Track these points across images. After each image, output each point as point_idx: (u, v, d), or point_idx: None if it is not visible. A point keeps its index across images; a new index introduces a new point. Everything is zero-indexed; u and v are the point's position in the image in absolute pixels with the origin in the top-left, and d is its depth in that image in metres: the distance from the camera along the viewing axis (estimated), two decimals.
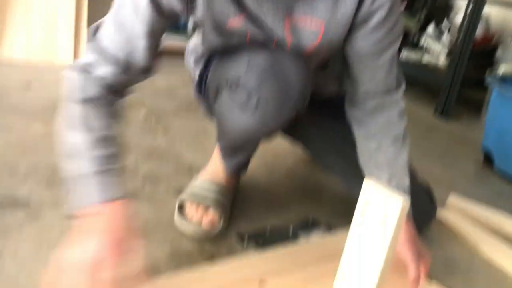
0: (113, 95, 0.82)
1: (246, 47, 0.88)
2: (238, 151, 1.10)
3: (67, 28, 2.04)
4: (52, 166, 1.21)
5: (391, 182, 0.96)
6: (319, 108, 1.17)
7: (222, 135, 1.06)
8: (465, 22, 2.15)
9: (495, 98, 1.74)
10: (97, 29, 0.82)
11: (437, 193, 1.40)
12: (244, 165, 1.16)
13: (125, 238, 0.70)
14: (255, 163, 1.39)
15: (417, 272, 0.92)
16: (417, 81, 2.59)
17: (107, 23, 0.81)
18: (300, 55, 0.87)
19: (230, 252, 1.00)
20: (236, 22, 0.82)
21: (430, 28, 2.45)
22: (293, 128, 1.16)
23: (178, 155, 1.40)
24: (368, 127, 0.99)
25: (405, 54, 2.44)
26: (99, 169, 0.74)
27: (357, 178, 0.94)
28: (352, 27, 0.85)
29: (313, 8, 0.82)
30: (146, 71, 0.84)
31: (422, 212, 1.11)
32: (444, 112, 2.30)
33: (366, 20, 0.84)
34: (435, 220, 1.21)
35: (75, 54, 2.09)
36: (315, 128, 1.18)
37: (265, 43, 0.86)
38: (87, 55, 0.81)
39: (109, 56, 0.79)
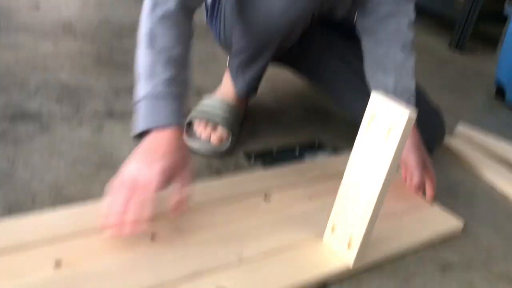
0: (185, 12, 0.84)
1: None
2: (253, 61, 1.07)
3: None
4: (62, 83, 1.22)
5: (397, 85, 0.99)
6: (331, 30, 1.16)
7: (240, 42, 1.03)
8: None
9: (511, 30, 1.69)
10: None
11: (446, 121, 1.41)
12: (254, 87, 1.15)
13: (175, 167, 0.73)
14: (264, 88, 1.39)
15: (421, 178, 0.94)
16: (433, 13, 2.51)
17: None
18: None
19: (237, 169, 1.02)
20: None
21: None
22: (303, 54, 1.15)
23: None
24: (378, 34, 1.02)
25: None
26: (158, 92, 0.76)
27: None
28: None
29: None
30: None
31: (432, 131, 1.12)
32: (459, 45, 2.25)
33: None
34: (443, 142, 1.22)
35: None
36: (326, 50, 1.17)
37: None
38: None
39: None
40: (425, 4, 2.42)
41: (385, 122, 0.70)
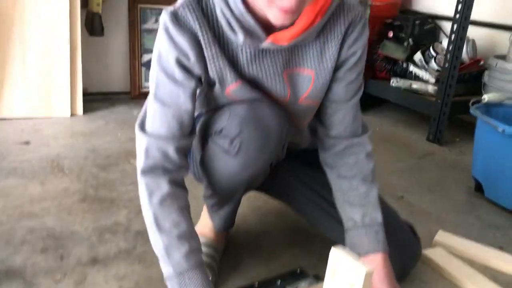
0: (177, 187, 0.96)
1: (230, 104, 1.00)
2: (225, 203, 1.15)
3: (64, 82, 2.11)
4: (48, 229, 1.26)
5: (364, 218, 1.05)
6: (296, 158, 1.23)
7: (209, 189, 1.11)
8: (450, 46, 2.19)
9: (480, 128, 1.77)
10: (142, 123, 0.97)
11: (425, 227, 1.44)
12: (231, 220, 1.20)
13: None
14: (246, 208, 1.44)
15: None
16: (409, 108, 2.62)
17: (150, 110, 0.95)
18: (276, 104, 1.00)
19: None
20: (233, 88, 0.96)
21: (417, 56, 2.49)
22: (273, 183, 1.21)
23: None
24: (339, 169, 1.10)
25: (395, 82, 2.48)
26: (180, 269, 0.91)
27: (339, 227, 1.09)
28: (333, 71, 1.01)
29: (304, 59, 0.98)
30: (192, 134, 0.99)
31: (407, 253, 1.15)
32: (436, 138, 2.33)
33: (343, 63, 1.01)
34: (420, 259, 1.24)
35: (72, 107, 2.16)
36: (293, 179, 1.23)
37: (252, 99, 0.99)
38: (144, 152, 0.95)
39: (163, 138, 0.94)
40: (401, 100, 2.54)
41: (346, 277, 0.73)
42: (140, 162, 0.96)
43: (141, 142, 0.96)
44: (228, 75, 0.95)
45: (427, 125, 2.41)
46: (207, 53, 0.92)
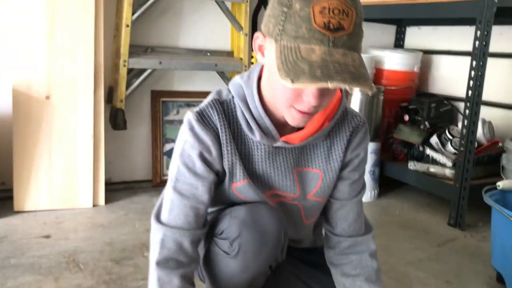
0: (187, 282, 1.00)
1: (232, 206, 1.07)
2: None
3: (87, 174, 2.21)
4: None
5: None
6: (298, 257, 1.24)
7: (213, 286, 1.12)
8: (464, 130, 2.20)
9: (495, 216, 1.74)
10: (158, 214, 1.03)
11: None
12: None
13: None
14: None
15: None
16: (427, 192, 2.60)
17: (167, 201, 1.02)
18: (274, 208, 1.06)
19: None
20: (239, 184, 1.03)
21: (434, 139, 2.50)
22: (275, 283, 1.21)
23: None
24: (343, 268, 1.14)
25: (413, 166, 2.48)
26: None
27: None
28: (339, 170, 1.10)
29: (313, 159, 1.08)
30: (205, 226, 1.05)
31: None
32: (457, 223, 2.28)
33: (348, 164, 1.10)
34: None
35: (94, 198, 2.24)
36: (294, 278, 1.23)
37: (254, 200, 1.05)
38: (159, 243, 1.00)
39: (180, 228, 1.00)
40: (420, 183, 2.52)
41: None
42: (154, 253, 1.00)
43: (156, 233, 1.01)
44: (238, 171, 1.02)
45: (449, 208, 2.37)
46: (224, 149, 1.00)
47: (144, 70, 2.40)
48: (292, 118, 0.93)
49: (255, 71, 1.01)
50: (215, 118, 1.00)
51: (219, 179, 1.05)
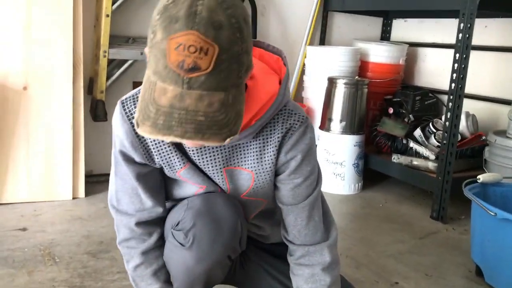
0: (148, 254, 1.08)
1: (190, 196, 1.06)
2: None
3: (66, 166, 2.17)
4: None
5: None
6: (266, 250, 1.23)
7: (174, 281, 1.12)
8: (447, 123, 2.19)
9: (475, 210, 1.73)
10: (111, 197, 1.08)
11: None
12: None
13: None
14: None
15: None
16: (411, 185, 2.60)
17: (113, 186, 1.07)
18: (233, 197, 1.04)
19: None
20: (182, 170, 1.01)
21: (417, 132, 2.49)
22: (242, 276, 1.20)
23: None
24: (297, 280, 1.09)
25: (396, 158, 2.47)
26: None
27: None
28: (276, 174, 1.03)
29: (244, 159, 1.00)
30: (157, 207, 1.06)
31: None
32: (440, 216, 2.28)
33: (284, 167, 1.02)
34: None
35: (74, 190, 2.21)
36: (263, 272, 1.22)
37: (209, 190, 1.04)
38: (116, 228, 1.10)
39: (126, 214, 1.05)
40: (403, 176, 2.52)
41: None
42: (117, 233, 1.10)
43: (114, 218, 1.09)
44: (176, 160, 1.00)
45: (431, 201, 2.37)
46: (151, 142, 0.98)
47: (125, 61, 2.37)
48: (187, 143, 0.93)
49: None
50: (136, 107, 0.92)
51: (153, 168, 1.04)
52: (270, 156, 0.99)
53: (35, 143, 2.11)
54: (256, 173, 1.01)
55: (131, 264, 1.08)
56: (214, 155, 0.99)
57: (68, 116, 2.15)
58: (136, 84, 2.54)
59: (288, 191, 1.03)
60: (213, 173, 1.02)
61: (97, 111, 2.25)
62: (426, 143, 2.46)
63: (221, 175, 1.02)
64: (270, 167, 1.00)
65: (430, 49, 2.97)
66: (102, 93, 2.25)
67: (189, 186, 1.05)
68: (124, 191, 1.05)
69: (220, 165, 1.00)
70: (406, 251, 1.95)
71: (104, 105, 2.27)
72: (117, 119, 0.98)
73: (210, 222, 0.99)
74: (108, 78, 2.29)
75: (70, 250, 1.71)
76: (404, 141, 2.54)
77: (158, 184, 1.07)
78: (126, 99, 0.98)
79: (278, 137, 0.98)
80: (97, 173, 2.52)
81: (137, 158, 1.00)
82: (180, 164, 1.00)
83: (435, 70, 2.94)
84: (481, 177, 1.81)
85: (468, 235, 2.12)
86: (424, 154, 2.41)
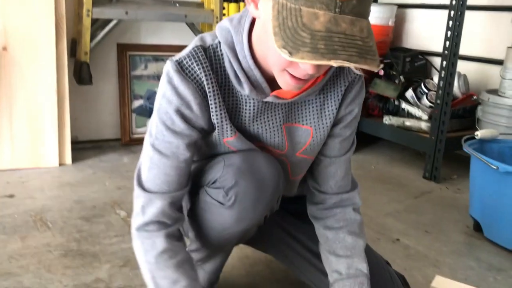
0: (172, 241, 0.92)
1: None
2: (212, 257, 1.11)
3: (51, 132, 2.09)
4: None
5: (349, 269, 1.01)
6: (282, 208, 1.19)
7: (197, 242, 1.07)
8: (441, 83, 2.17)
9: (474, 165, 1.73)
10: (139, 175, 0.94)
11: (422, 271, 1.38)
12: (216, 275, 1.15)
13: None
14: (234, 258, 1.39)
15: None
16: (404, 146, 2.59)
17: (147, 161, 0.92)
18: (271, 155, 0.98)
19: None
20: (230, 139, 0.95)
21: (409, 93, 2.47)
22: (259, 235, 1.16)
23: None
24: (326, 221, 1.08)
25: (388, 120, 2.45)
26: None
27: (325, 280, 1.06)
28: (331, 127, 1.01)
29: (304, 115, 0.98)
30: (188, 185, 0.96)
31: None
32: (433, 176, 2.28)
33: (340, 120, 1.01)
34: None
35: (60, 157, 2.13)
36: (280, 230, 1.18)
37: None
38: (141, 209, 0.92)
39: (161, 193, 0.91)
40: (395, 137, 2.51)
41: None
42: (136, 218, 0.93)
43: (138, 197, 0.93)
44: (227, 127, 0.93)
45: (423, 162, 2.37)
46: (211, 102, 0.90)
47: (109, 21, 2.26)
48: (284, 82, 0.83)
49: (247, 15, 0.89)
50: (199, 67, 0.88)
51: (205, 133, 0.95)
52: (331, 110, 0.98)
53: (18, 107, 2.02)
54: (315, 129, 0.99)
55: (151, 253, 0.91)
56: (275, 112, 0.95)
57: (52, 78, 2.05)
58: (121, 46, 2.45)
59: (337, 143, 1.03)
60: (272, 131, 0.97)
61: (81, 74, 2.15)
62: (418, 103, 2.44)
63: (281, 132, 0.98)
64: (329, 121, 0.99)
65: (419, 10, 2.93)
66: (87, 54, 2.15)
67: (224, 148, 0.98)
68: (160, 166, 0.91)
69: (280, 121, 0.97)
70: (403, 210, 1.94)
71: (89, 67, 2.17)
72: (176, 80, 0.88)
73: (253, 181, 0.93)
74: (91, 40, 2.18)
75: (62, 215, 1.65)
76: (396, 103, 2.52)
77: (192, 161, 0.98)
78: (182, 58, 0.89)
79: (341, 91, 0.98)
80: (82, 139, 2.44)
81: (199, 120, 0.91)
82: (229, 133, 0.94)
83: (424, 32, 2.90)
84: (479, 133, 1.80)
85: (462, 194, 2.13)
86: (417, 115, 2.40)
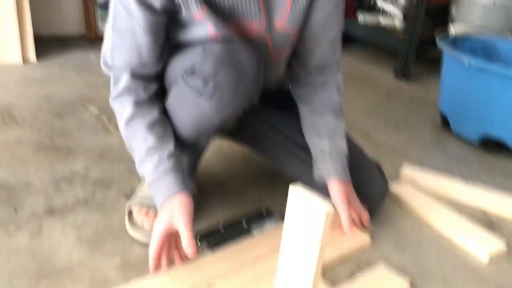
0: (142, 106, 0.96)
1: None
2: (187, 151, 1.11)
3: (11, 27, 1.97)
4: (0, 181, 1.20)
5: (331, 148, 1.08)
6: (266, 102, 1.19)
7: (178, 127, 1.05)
8: None
9: (446, 61, 1.74)
10: (104, 57, 0.99)
11: (392, 164, 1.44)
12: (195, 169, 1.16)
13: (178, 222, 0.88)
14: (211, 152, 1.40)
15: (348, 213, 1.03)
16: (376, 44, 2.58)
17: (109, 42, 0.96)
18: (252, 46, 0.96)
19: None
20: (198, 14, 0.92)
21: None
22: (239, 128, 1.16)
23: (130, 155, 1.38)
24: (312, 103, 1.12)
25: (362, 18, 2.41)
26: (151, 181, 0.93)
27: (305, 169, 1.13)
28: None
29: None
30: (157, 64, 0.97)
31: (375, 189, 1.16)
32: (404, 74, 2.30)
33: None
34: (387, 195, 1.24)
35: (24, 53, 2.03)
36: (260, 122, 1.18)
37: (223, 39, 0.95)
38: (112, 82, 0.97)
39: (123, 67, 0.95)
40: (369, 37, 2.48)
41: (307, 214, 0.70)
42: (111, 89, 0.98)
43: (109, 73, 0.98)
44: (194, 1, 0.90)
45: (394, 62, 2.38)
46: None
47: None
48: None
49: None
50: None
51: (168, 14, 0.92)
52: None
53: None
54: (293, 1, 0.98)
55: (123, 120, 0.96)
56: None
57: None
58: None
59: (320, 19, 1.02)
60: (248, 5, 0.94)
61: None
62: (394, 1, 2.40)
63: (257, 4, 0.95)
64: None
65: None
66: None
67: (199, 29, 0.95)
68: (123, 47, 0.94)
69: None
70: (374, 107, 1.98)
71: None
72: None
73: (233, 72, 0.91)
74: None
75: (31, 112, 1.61)
76: (371, 0, 2.47)
77: (163, 39, 0.96)
78: None
79: None
80: (45, 35, 2.32)
81: (156, 2, 0.88)
82: (195, 6, 0.90)
83: None
84: (453, 29, 1.80)
85: (431, 92, 2.18)
86: (392, 12, 2.37)
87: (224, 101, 0.93)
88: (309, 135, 1.13)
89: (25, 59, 2.05)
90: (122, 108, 0.96)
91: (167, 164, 0.93)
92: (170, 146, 0.95)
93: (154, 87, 0.99)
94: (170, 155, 0.94)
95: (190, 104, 0.95)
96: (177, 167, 0.94)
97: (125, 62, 0.95)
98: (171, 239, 0.92)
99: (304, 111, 1.14)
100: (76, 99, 1.74)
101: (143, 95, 0.97)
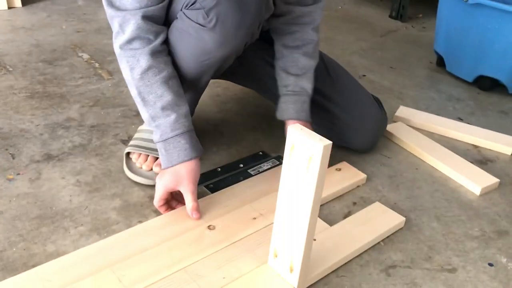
0: (157, 57, 0.92)
1: None
2: (187, 89, 1.09)
3: None
4: None
5: (296, 86, 1.08)
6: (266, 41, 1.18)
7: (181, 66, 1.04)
8: None
9: (442, 0, 1.71)
10: None
11: (387, 103, 1.44)
12: (192, 111, 1.16)
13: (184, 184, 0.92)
14: (205, 96, 1.39)
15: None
16: None
17: None
18: None
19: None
20: None
21: None
22: (238, 67, 1.15)
23: (124, 100, 1.38)
24: (284, 39, 1.11)
25: None
26: (164, 138, 0.92)
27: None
28: None
29: None
30: (164, 2, 0.93)
31: (375, 122, 1.18)
32: (399, 14, 2.26)
33: None
34: (385, 130, 1.25)
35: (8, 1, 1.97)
36: (259, 59, 1.19)
37: None
38: (119, 27, 0.91)
39: (133, 8, 0.89)
40: None
41: (304, 153, 0.71)
42: (117, 37, 0.93)
43: (113, 18, 0.92)
44: None
45: (390, 2, 2.33)
46: None
47: None
48: None
49: None
50: None
51: None
52: None
53: None
54: None
55: (137, 71, 0.92)
56: None
57: None
58: None
59: None
60: None
61: None
62: None
63: None
64: None
65: None
66: None
67: None
68: None
69: None
70: (369, 47, 1.96)
71: None
72: None
73: (235, 2, 0.88)
74: None
75: (21, 59, 1.58)
76: None
77: None
78: None
79: None
80: None
81: None
82: None
83: None
84: None
85: (427, 32, 2.15)
86: None
87: (227, 34, 0.91)
88: (278, 70, 1.12)
89: (10, 5, 1.98)
90: (135, 59, 0.91)
91: (184, 124, 0.92)
92: (186, 104, 0.94)
93: (165, 33, 0.95)
94: (186, 114, 0.93)
95: (192, 38, 0.92)
96: (192, 129, 0.94)
97: (132, 2, 0.89)
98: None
99: (277, 44, 1.13)
100: (66, 45, 1.70)
101: (155, 42, 0.92)
